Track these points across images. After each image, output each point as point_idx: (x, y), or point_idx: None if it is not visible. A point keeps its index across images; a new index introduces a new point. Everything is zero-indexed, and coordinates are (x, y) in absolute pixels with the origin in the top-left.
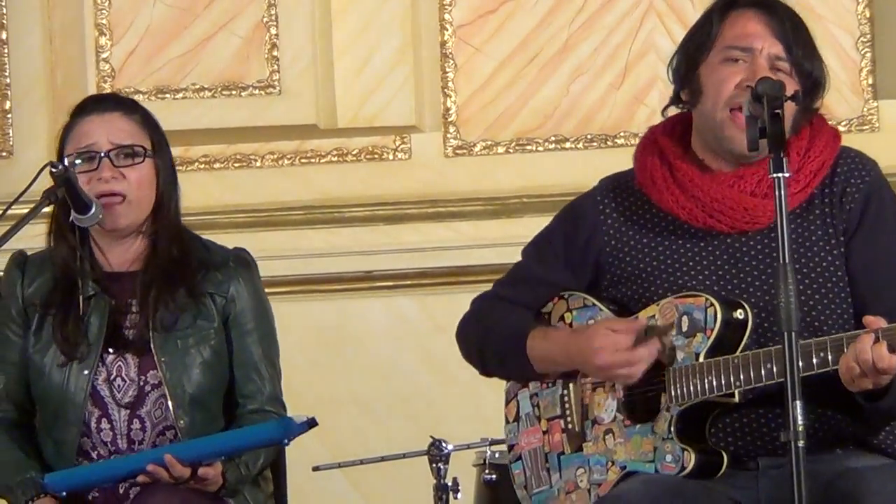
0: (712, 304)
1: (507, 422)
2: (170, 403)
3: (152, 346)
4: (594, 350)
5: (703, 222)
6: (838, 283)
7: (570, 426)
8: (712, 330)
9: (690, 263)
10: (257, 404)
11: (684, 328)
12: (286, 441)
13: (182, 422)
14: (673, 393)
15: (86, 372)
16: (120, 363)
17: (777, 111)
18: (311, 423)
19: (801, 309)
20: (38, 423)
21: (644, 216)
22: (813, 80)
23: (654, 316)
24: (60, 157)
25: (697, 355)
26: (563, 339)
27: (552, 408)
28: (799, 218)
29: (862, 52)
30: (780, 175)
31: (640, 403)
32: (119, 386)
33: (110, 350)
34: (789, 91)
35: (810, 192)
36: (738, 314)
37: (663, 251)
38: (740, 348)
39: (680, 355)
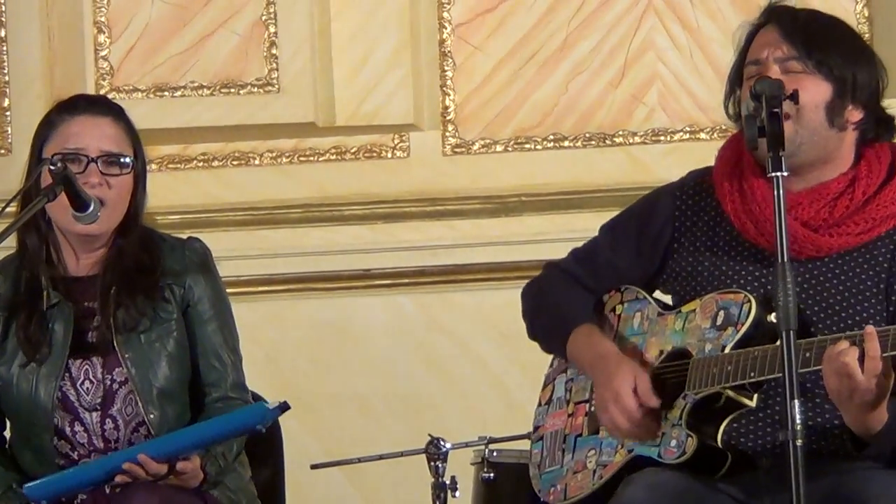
0: (749, 301)
1: (539, 405)
2: (138, 399)
3: (115, 345)
4: (609, 387)
5: (754, 238)
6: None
7: (592, 409)
8: (742, 325)
9: (742, 273)
10: (221, 392)
11: (718, 322)
12: (260, 427)
13: (152, 416)
14: (691, 381)
15: (53, 379)
16: (87, 366)
17: (775, 110)
18: (284, 408)
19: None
20: (13, 433)
21: (714, 218)
22: (837, 76)
23: (695, 310)
24: (39, 149)
25: (724, 348)
26: (597, 355)
27: (581, 392)
28: (852, 261)
29: None
30: (777, 174)
31: (663, 391)
32: (87, 389)
33: (76, 355)
34: (789, 90)
35: (869, 239)
36: (773, 318)
37: (721, 256)
38: None
39: (708, 347)
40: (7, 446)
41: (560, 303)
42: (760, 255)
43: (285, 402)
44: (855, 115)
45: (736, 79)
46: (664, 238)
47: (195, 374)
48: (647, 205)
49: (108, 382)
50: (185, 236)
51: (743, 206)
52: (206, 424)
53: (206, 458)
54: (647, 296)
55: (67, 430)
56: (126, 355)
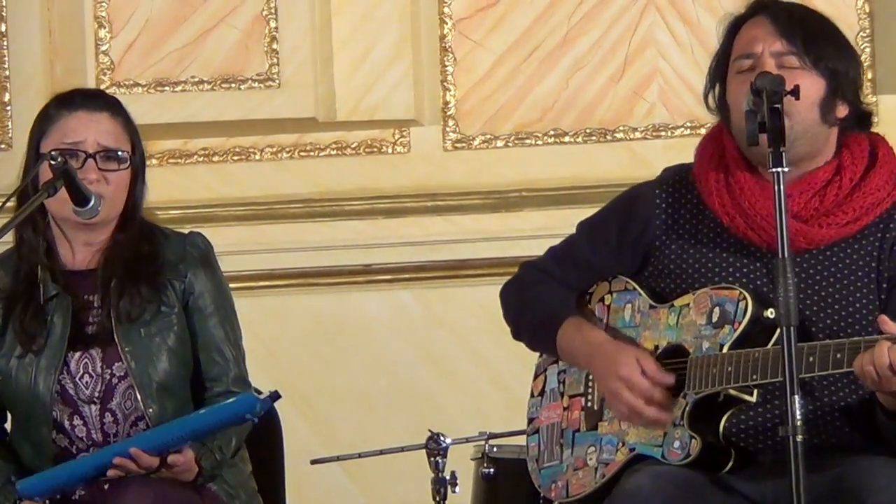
0: (745, 299)
1: (532, 396)
2: (137, 394)
3: (115, 337)
4: (616, 376)
5: (744, 233)
6: (867, 328)
7: (589, 404)
8: (740, 323)
9: (730, 269)
10: (223, 386)
11: (714, 319)
12: (250, 417)
13: (151, 410)
14: (691, 380)
15: (52, 371)
16: (86, 360)
17: (776, 105)
18: (274, 397)
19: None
20: (12, 426)
21: (696, 215)
22: (832, 73)
23: (688, 304)
24: (36, 144)
25: (722, 346)
26: (591, 345)
27: (576, 385)
28: (841, 252)
29: (861, 48)
30: (778, 170)
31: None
32: (86, 383)
33: (75, 348)
34: (789, 85)
35: (858, 229)
36: (769, 313)
37: (706, 253)
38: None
39: (705, 345)
40: (7, 438)
41: (542, 300)
42: (749, 250)
43: (276, 392)
44: (842, 110)
45: (718, 71)
46: (646, 236)
47: (197, 369)
48: (626, 203)
49: (108, 377)
50: (186, 231)
51: (731, 200)
52: (195, 416)
53: (202, 451)
54: (636, 286)
55: (66, 423)
56: (126, 349)
